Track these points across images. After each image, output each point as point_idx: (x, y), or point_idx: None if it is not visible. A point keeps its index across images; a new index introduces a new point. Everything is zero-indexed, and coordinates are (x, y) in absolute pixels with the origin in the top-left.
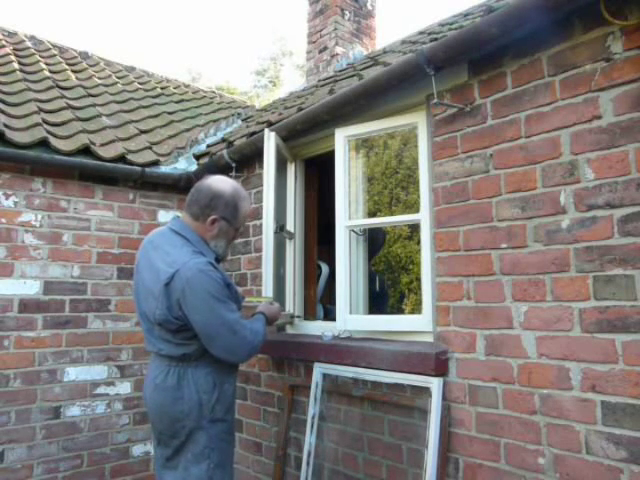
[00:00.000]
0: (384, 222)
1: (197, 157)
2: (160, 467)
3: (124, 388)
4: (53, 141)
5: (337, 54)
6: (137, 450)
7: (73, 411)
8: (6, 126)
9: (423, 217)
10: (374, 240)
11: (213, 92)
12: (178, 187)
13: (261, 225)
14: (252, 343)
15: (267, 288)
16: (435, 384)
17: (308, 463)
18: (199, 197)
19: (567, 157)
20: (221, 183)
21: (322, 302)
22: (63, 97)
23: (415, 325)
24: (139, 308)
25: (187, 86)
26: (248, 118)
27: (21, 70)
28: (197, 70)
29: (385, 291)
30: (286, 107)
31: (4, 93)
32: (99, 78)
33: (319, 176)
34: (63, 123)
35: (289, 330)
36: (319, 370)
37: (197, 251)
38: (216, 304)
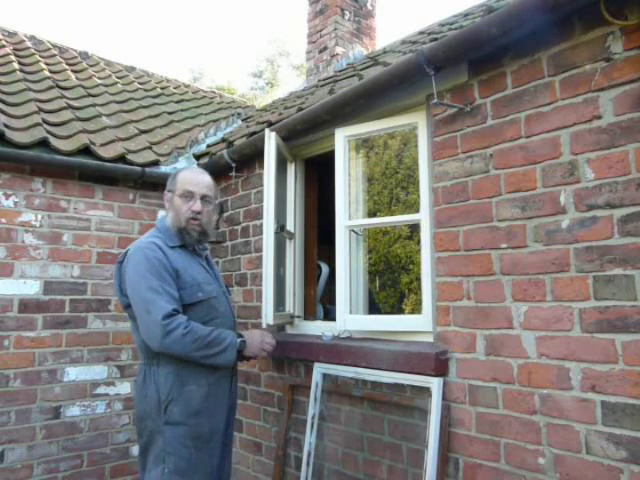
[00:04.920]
0: (384, 222)
1: (197, 157)
2: None
3: (124, 388)
4: (53, 141)
5: (337, 54)
6: (137, 450)
7: (73, 411)
8: (6, 126)
9: (423, 217)
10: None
11: (213, 92)
12: None
13: (261, 225)
14: (172, 333)
15: (267, 288)
16: (435, 384)
17: (308, 463)
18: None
19: (567, 157)
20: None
21: (322, 302)
22: (63, 97)
23: (415, 325)
24: None
25: (187, 86)
26: (248, 118)
27: (21, 70)
28: (199, 70)
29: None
30: (286, 107)
31: (4, 93)
32: (99, 78)
33: (319, 176)
34: (63, 123)
35: (289, 330)
36: (319, 370)
37: (157, 236)
38: (140, 280)
